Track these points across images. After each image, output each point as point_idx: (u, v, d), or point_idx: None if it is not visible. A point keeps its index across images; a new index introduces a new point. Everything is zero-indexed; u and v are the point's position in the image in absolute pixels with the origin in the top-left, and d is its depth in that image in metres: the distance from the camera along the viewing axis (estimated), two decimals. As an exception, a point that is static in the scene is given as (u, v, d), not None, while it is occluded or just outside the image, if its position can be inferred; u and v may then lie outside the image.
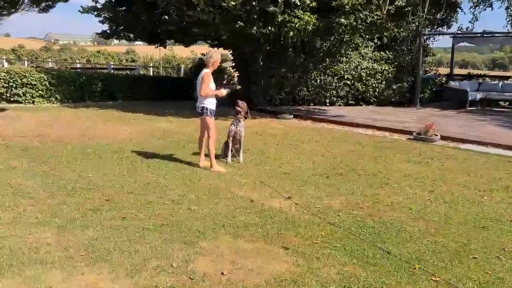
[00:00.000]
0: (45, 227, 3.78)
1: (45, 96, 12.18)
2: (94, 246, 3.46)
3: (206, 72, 5.82)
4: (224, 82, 18.72)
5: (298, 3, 9.49)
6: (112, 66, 23.51)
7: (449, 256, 3.53)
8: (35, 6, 15.80)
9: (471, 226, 4.22)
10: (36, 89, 12.01)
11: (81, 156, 6.40)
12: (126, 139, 7.79)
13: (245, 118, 6.48)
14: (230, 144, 6.35)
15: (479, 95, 14.31)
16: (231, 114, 10.21)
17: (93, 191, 4.81)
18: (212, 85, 5.85)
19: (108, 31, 13.57)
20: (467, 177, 6.06)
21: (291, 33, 9.80)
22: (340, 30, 10.59)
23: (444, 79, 16.51)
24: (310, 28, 9.71)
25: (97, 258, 3.26)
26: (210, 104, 5.89)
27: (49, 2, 15.80)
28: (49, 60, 32.09)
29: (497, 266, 3.39)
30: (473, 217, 4.47)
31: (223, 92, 6.02)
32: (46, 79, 12.09)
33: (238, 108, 6.33)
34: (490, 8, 17.14)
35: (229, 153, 6.35)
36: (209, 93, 5.82)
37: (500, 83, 15.42)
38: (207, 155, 6.08)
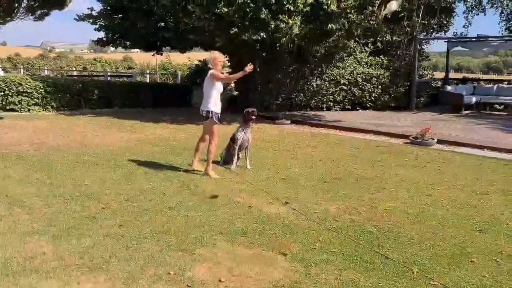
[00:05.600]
0: (40, 236, 3.75)
1: (41, 104, 12.16)
2: (90, 254, 3.43)
3: (211, 71, 5.80)
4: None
5: (292, 9, 9.53)
6: (108, 74, 23.51)
7: (447, 260, 3.52)
8: (30, 14, 15.86)
9: (468, 229, 4.22)
10: (32, 97, 11.98)
11: (77, 163, 6.38)
12: (123, 146, 7.77)
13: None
14: (237, 151, 6.36)
15: (474, 99, 14.39)
16: (226, 120, 10.23)
17: (90, 199, 4.79)
18: (220, 86, 5.86)
19: (104, 38, 13.60)
20: (464, 180, 6.07)
21: (284, 39, 9.84)
22: (335, 35, 10.63)
23: (439, 83, 16.60)
24: (296, 31, 9.71)
25: (93, 267, 3.24)
26: (216, 107, 5.85)
27: (44, 10, 15.86)
28: (45, 68, 32.02)
29: (494, 269, 3.38)
30: (470, 220, 4.47)
31: (246, 69, 5.62)
32: (41, 87, 12.07)
33: (253, 117, 6.38)
34: (483, 13, 17.33)
35: (235, 160, 6.36)
36: (227, 78, 6.27)
37: (495, 87, 15.51)
38: (203, 160, 6.07)
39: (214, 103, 5.82)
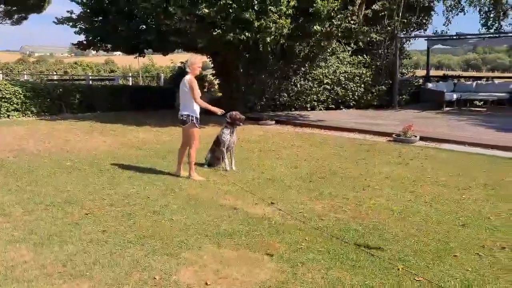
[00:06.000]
0: (21, 244, 3.67)
1: (21, 109, 11.92)
2: (73, 261, 3.37)
3: (190, 78, 5.72)
4: (205, 90, 18.67)
5: (274, 10, 9.56)
6: (90, 77, 23.20)
7: (431, 255, 3.57)
8: (7, 18, 15.56)
9: (451, 224, 4.28)
10: (11, 103, 11.74)
11: (59, 169, 6.26)
12: (106, 151, 7.67)
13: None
14: (226, 153, 6.35)
15: (455, 96, 14.64)
16: (212, 121, 10.19)
17: (72, 205, 4.71)
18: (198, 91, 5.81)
19: (85, 42, 13.41)
20: (447, 176, 6.16)
21: (268, 39, 9.85)
22: (317, 36, 10.69)
23: (421, 81, 16.84)
24: (286, 31, 9.76)
25: (76, 274, 3.18)
26: (195, 112, 5.81)
27: (22, 14, 15.59)
28: (25, 72, 31.38)
29: (477, 263, 3.44)
30: (453, 215, 4.54)
31: (218, 112, 5.91)
32: (21, 92, 11.84)
33: (240, 123, 6.42)
34: (463, 13, 17.67)
35: (227, 161, 6.35)
36: (202, 104, 5.77)
37: (474, 84, 15.82)
38: (187, 163, 6.02)
39: (192, 107, 5.77)
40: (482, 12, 17.57)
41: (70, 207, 4.64)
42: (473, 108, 14.80)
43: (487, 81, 16.74)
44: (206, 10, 9.36)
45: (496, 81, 16.78)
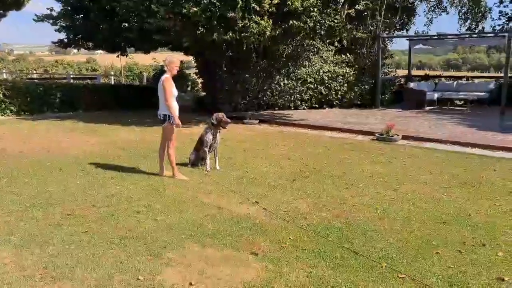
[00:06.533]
0: (1, 246, 3.59)
1: (-1, 108, 11.68)
2: (55, 263, 3.31)
3: (166, 77, 5.67)
4: (188, 88, 18.55)
5: (258, 9, 9.54)
6: (71, 76, 22.81)
7: (414, 253, 3.62)
8: (-15, 15, 15.17)
9: (433, 222, 4.35)
10: (-11, 102, 11.49)
11: (40, 170, 6.14)
12: (88, 151, 7.55)
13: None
14: (208, 153, 6.30)
15: (436, 95, 14.88)
16: (194, 120, 10.14)
17: (53, 206, 4.62)
18: (174, 90, 5.74)
19: (66, 40, 13.18)
20: (428, 174, 6.26)
21: (252, 38, 9.84)
22: (300, 36, 10.73)
23: (403, 80, 17.07)
24: (268, 33, 9.78)
25: (57, 276, 3.12)
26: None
27: (0, 11, 15.23)
28: (4, 71, 30.66)
29: (458, 260, 3.50)
30: (434, 213, 4.61)
31: (177, 125, 5.71)
32: (-1, 90, 11.59)
33: (226, 127, 6.37)
34: (446, 13, 18.03)
35: (208, 162, 6.29)
36: (171, 106, 5.65)
37: (455, 83, 16.12)
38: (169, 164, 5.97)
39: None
40: (461, 14, 17.96)
41: (51, 208, 4.55)
42: (454, 107, 15.07)
43: (467, 80, 17.07)
44: (195, 9, 9.28)
45: (476, 80, 17.13)
